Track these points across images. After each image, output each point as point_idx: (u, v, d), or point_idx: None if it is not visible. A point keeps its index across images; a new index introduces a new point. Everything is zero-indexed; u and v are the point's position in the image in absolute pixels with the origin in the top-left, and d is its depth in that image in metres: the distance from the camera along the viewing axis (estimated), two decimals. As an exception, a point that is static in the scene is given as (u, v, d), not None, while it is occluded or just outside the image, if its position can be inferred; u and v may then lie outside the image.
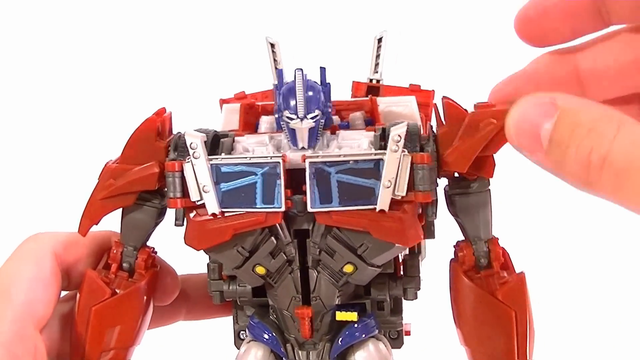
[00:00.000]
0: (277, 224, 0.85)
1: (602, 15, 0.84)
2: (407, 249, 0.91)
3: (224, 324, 0.98)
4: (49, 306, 0.88)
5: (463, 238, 0.90)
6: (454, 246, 0.91)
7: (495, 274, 0.88)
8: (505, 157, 0.85)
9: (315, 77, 0.86)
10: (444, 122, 0.86)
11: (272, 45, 0.99)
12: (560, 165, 0.72)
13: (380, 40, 0.99)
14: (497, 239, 0.89)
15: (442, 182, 0.89)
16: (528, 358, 0.87)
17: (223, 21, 1.75)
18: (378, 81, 1.00)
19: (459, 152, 0.84)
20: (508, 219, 0.95)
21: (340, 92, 0.96)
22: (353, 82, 1.02)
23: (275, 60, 0.99)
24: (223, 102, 1.00)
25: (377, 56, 1.00)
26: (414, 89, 1.00)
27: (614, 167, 0.68)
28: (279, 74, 0.88)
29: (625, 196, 0.69)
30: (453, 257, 0.90)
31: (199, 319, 1.04)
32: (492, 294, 0.86)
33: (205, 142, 0.84)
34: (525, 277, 0.87)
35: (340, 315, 0.88)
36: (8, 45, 1.86)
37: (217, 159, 0.84)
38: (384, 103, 0.94)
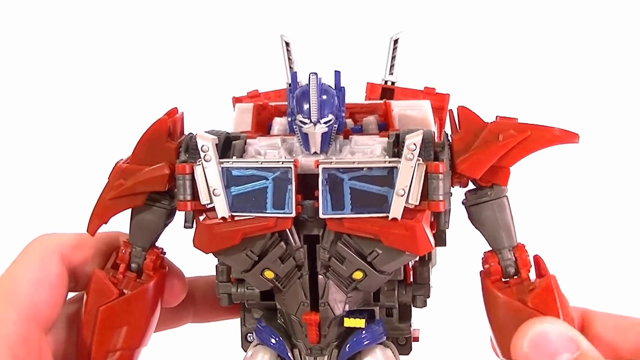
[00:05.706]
0: (287, 229, 0.84)
1: None
2: (418, 256, 0.89)
3: (231, 326, 0.97)
4: (55, 308, 0.87)
5: (490, 249, 0.88)
6: (481, 258, 0.88)
7: (524, 281, 0.86)
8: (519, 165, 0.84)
9: (329, 79, 0.84)
10: (458, 129, 0.85)
11: (287, 44, 0.98)
12: None
13: (396, 41, 0.98)
14: (523, 245, 0.87)
15: (455, 191, 0.87)
16: None
17: (236, 20, 1.74)
18: (393, 83, 0.99)
19: (475, 158, 0.83)
20: (528, 223, 0.93)
21: (354, 93, 0.94)
22: (367, 83, 1.00)
23: (289, 59, 0.98)
24: (236, 100, 0.99)
25: (393, 57, 0.98)
26: (428, 92, 0.98)
27: None
28: (293, 76, 0.87)
29: None
30: (482, 268, 0.88)
31: (207, 321, 1.03)
32: (522, 302, 0.84)
33: (216, 144, 0.83)
34: (553, 280, 0.84)
35: (348, 322, 0.87)
36: (22, 46, 1.85)
37: (228, 162, 0.83)
38: (398, 107, 0.93)
